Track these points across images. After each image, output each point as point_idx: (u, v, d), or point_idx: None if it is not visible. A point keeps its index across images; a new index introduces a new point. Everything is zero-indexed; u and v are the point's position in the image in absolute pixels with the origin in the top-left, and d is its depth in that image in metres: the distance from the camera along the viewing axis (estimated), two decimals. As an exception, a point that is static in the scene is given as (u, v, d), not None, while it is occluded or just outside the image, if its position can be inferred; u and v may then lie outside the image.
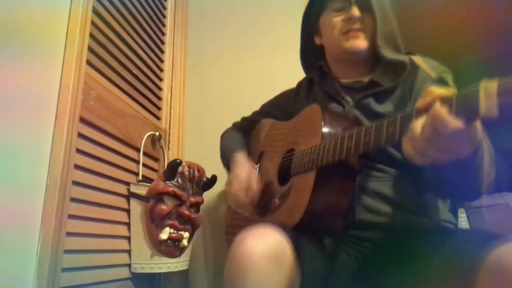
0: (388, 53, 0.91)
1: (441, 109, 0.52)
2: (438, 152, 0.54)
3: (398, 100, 0.88)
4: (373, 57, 0.95)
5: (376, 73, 0.94)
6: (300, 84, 1.14)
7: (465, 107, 0.51)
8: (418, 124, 0.55)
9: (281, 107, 1.16)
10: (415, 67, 0.91)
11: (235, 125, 1.29)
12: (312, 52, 1.09)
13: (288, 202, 0.88)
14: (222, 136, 1.27)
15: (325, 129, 0.85)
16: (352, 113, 0.91)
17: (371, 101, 0.90)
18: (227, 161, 1.14)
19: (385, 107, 0.89)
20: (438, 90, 0.56)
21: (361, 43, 0.93)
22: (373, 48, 0.92)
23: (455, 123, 0.51)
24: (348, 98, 0.95)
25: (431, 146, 0.54)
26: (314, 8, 1.03)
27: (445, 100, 0.54)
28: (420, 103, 0.57)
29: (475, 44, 2.29)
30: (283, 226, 0.73)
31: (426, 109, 0.55)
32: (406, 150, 0.57)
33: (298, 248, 0.71)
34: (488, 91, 0.49)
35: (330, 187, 0.81)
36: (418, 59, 0.93)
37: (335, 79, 1.01)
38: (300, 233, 0.76)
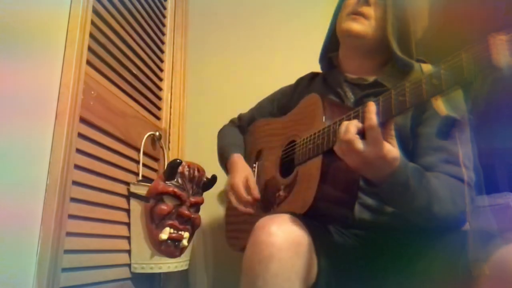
0: (399, 52, 0.89)
1: (354, 136, 0.67)
2: (351, 160, 0.70)
3: None
4: (383, 55, 0.93)
5: (383, 73, 0.93)
6: (300, 80, 1.13)
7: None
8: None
9: (278, 102, 1.15)
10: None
11: (233, 122, 1.28)
12: (332, 47, 1.04)
13: (294, 191, 0.86)
14: (219, 133, 1.26)
15: (326, 116, 0.83)
16: None
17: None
18: (224, 161, 1.14)
19: None
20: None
21: (356, 27, 0.90)
22: (382, 42, 0.90)
23: (359, 146, 0.66)
24: (350, 94, 0.94)
25: (347, 154, 0.70)
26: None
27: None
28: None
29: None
30: (297, 216, 0.72)
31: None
32: (335, 148, 0.72)
33: (315, 239, 0.70)
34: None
35: (337, 171, 0.78)
36: (428, 69, 0.88)
37: (341, 73, 0.99)
38: (311, 223, 0.75)
